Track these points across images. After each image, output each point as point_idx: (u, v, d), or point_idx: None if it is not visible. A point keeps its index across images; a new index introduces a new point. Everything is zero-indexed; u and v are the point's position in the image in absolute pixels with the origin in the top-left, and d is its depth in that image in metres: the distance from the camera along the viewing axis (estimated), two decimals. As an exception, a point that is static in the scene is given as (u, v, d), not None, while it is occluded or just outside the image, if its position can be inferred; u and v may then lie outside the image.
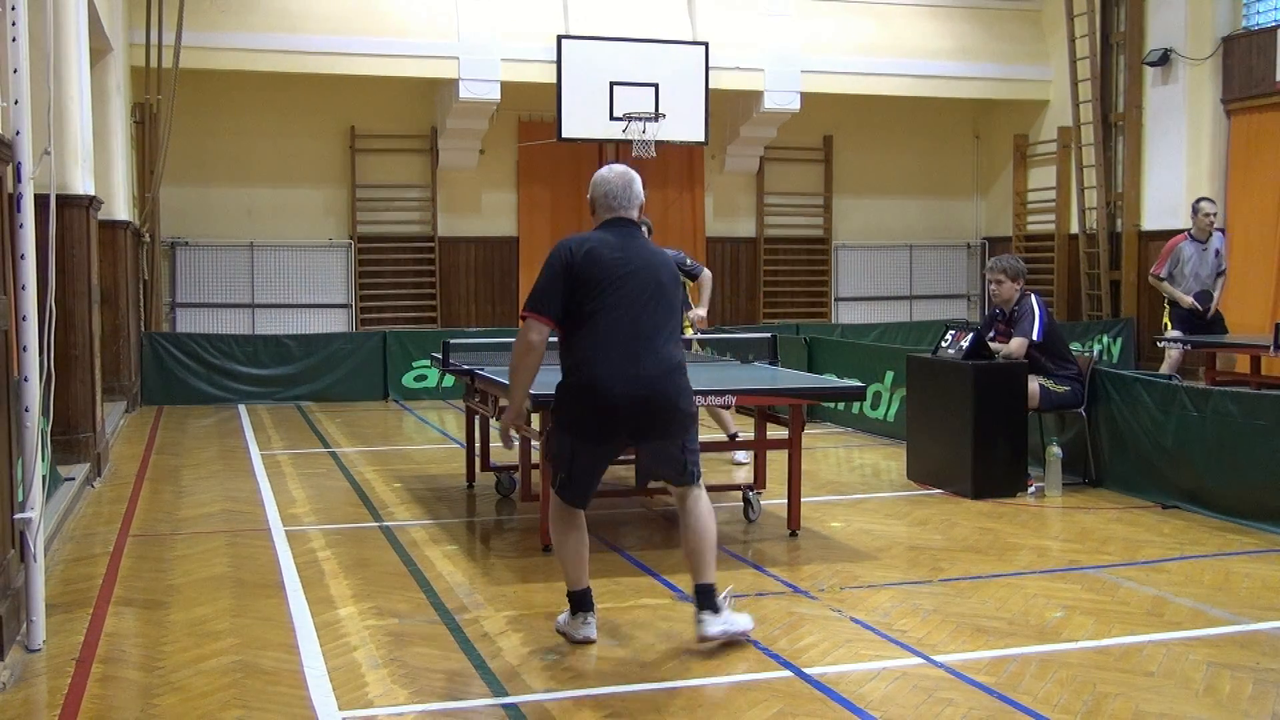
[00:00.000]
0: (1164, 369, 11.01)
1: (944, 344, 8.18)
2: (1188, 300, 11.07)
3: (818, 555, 6.36)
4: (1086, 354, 8.70)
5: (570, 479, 4.79)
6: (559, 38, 14.48)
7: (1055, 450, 7.84)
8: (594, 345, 4.68)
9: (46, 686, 4.40)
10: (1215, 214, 11.28)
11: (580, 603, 4.85)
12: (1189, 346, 11.24)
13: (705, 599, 4.76)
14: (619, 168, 4.93)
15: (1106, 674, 4.49)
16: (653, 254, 4.87)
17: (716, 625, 4.74)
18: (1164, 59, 14.41)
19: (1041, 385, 7.97)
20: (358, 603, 5.43)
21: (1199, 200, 11.48)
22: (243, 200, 15.46)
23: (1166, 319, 11.43)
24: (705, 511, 4.85)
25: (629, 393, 4.63)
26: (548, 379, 5.01)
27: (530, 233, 16.33)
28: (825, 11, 15.90)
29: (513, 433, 5.00)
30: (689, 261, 9.08)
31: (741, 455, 8.91)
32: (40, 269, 4.98)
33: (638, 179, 4.91)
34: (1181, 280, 11.14)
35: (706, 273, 9.30)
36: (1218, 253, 11.35)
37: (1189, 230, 11.36)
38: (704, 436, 8.59)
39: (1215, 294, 11.29)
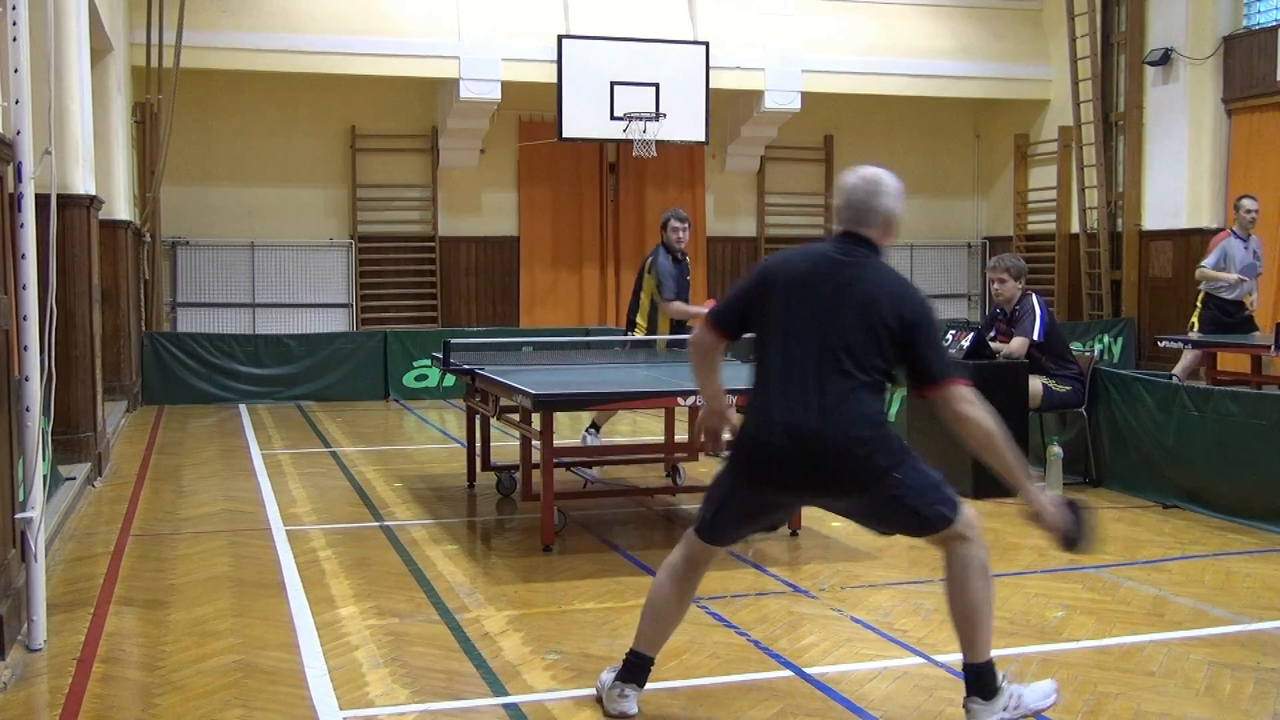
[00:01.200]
0: (1177, 369, 10.97)
1: (945, 343, 8.17)
2: (1233, 277, 10.88)
3: (818, 555, 6.36)
4: (1087, 353, 8.70)
5: (715, 514, 4.00)
6: (559, 37, 14.48)
7: (1056, 450, 7.84)
8: (755, 384, 3.96)
9: (47, 686, 4.40)
10: (1257, 210, 11.08)
11: (634, 670, 4.05)
12: (1189, 346, 11.23)
13: (976, 681, 3.87)
14: (868, 172, 4.06)
15: (1107, 674, 4.49)
16: (872, 282, 3.89)
17: (990, 715, 3.86)
18: (1165, 58, 14.40)
19: (1044, 384, 7.97)
20: (358, 602, 5.43)
21: (1241, 197, 11.30)
22: (243, 200, 15.46)
23: (1195, 318, 11.32)
24: (965, 571, 3.87)
25: (783, 442, 3.79)
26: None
27: (531, 232, 16.34)
28: (826, 11, 15.89)
29: (725, 435, 4.15)
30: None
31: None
32: (41, 269, 4.98)
33: (887, 187, 4.00)
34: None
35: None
36: (1256, 253, 11.26)
37: (1232, 229, 11.19)
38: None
39: (1253, 295, 11.19)
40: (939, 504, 3.81)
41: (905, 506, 3.80)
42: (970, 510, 3.89)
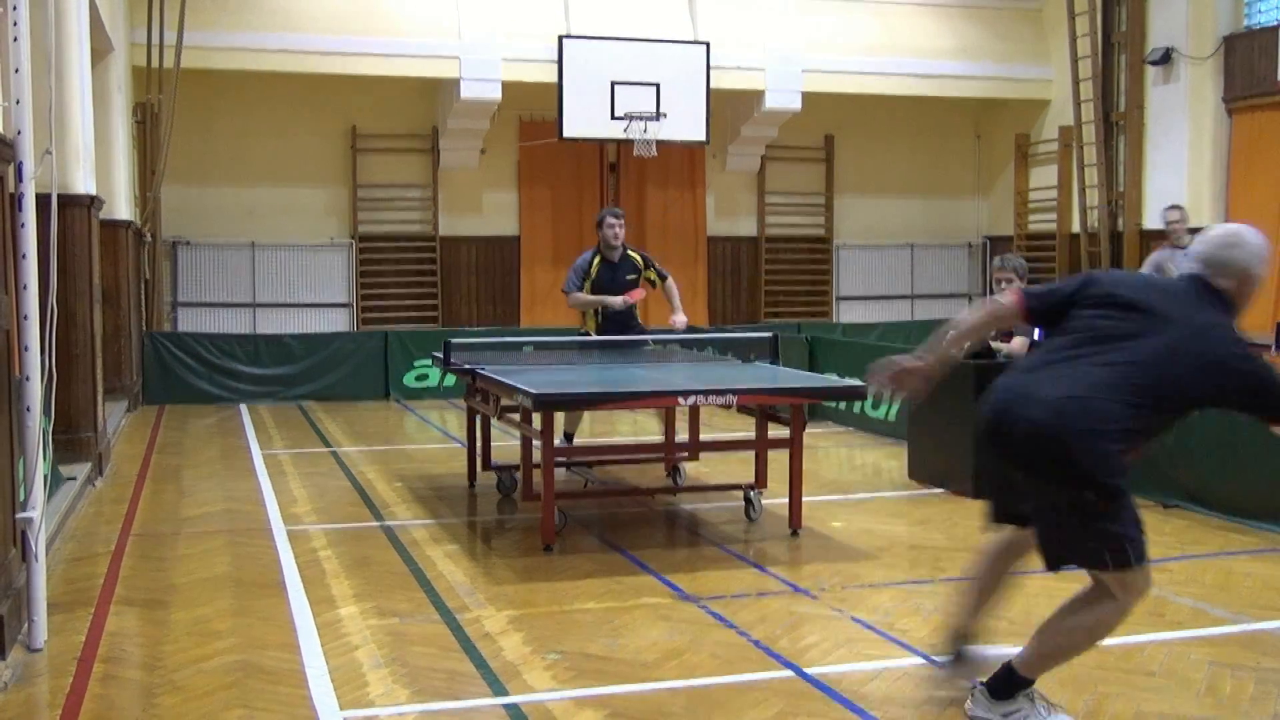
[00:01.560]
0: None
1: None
2: None
3: (819, 555, 6.36)
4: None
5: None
6: (560, 37, 14.48)
7: (1056, 450, 7.82)
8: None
9: (48, 686, 4.41)
10: (1180, 220, 11.07)
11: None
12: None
13: (1000, 681, 3.85)
14: (1254, 238, 3.94)
15: (1107, 674, 4.49)
16: (1188, 320, 3.81)
17: (987, 712, 3.85)
18: (1165, 58, 14.40)
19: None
20: (359, 602, 5.43)
21: (1166, 209, 11.29)
22: (244, 200, 15.46)
23: None
24: (1089, 619, 3.79)
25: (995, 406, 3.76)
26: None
27: (531, 232, 16.34)
28: (826, 11, 15.89)
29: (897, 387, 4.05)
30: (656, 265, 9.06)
31: None
32: (42, 268, 4.98)
33: (1248, 246, 3.91)
34: None
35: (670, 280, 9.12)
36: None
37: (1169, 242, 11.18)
38: (709, 435, 8.67)
39: None
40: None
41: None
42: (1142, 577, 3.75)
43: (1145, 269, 11.14)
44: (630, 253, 8.92)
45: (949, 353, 3.99)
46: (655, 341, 9.31)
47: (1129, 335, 3.67)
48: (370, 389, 13.39)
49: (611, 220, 8.86)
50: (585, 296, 8.90)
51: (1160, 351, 3.64)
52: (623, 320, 8.97)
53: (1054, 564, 3.78)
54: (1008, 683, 3.82)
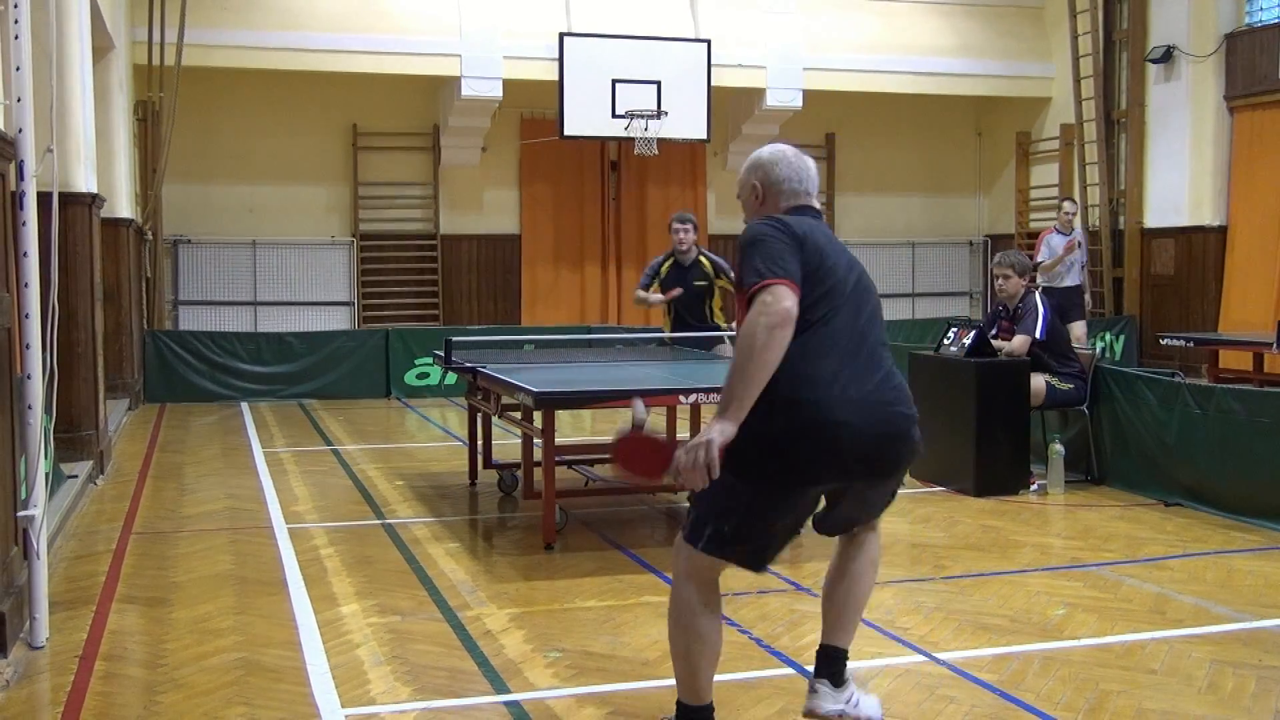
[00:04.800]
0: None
1: (946, 341, 8.18)
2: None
3: (820, 553, 6.34)
4: (1089, 351, 8.71)
5: (748, 533, 3.49)
6: (561, 35, 14.48)
7: (1058, 448, 7.84)
8: (819, 359, 3.44)
9: (50, 684, 4.41)
10: (1074, 213, 13.23)
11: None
12: (1191, 344, 11.24)
13: (833, 665, 3.84)
14: (788, 148, 3.89)
15: (1109, 671, 4.49)
16: (851, 254, 3.77)
17: (834, 703, 3.83)
18: (1167, 56, 14.39)
19: (1047, 382, 7.97)
20: (360, 600, 5.43)
21: (1063, 200, 13.67)
22: (245, 198, 15.47)
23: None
24: (874, 559, 3.90)
25: (868, 424, 3.46)
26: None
27: (532, 230, 16.34)
28: (827, 9, 15.89)
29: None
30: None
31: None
32: (43, 267, 4.98)
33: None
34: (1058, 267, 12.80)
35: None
36: (1080, 244, 12.99)
37: (1055, 227, 13.16)
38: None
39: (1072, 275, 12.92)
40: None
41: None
42: None
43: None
44: (703, 258, 8.96)
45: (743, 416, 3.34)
46: (731, 338, 9.24)
47: (864, 299, 3.71)
48: (371, 387, 13.39)
49: (677, 225, 8.99)
50: (639, 293, 9.14)
51: (875, 297, 3.78)
52: (694, 321, 9.06)
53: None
54: (841, 664, 3.88)
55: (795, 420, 3.39)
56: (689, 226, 8.91)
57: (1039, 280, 12.48)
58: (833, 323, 3.48)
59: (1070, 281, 12.88)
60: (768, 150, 3.85)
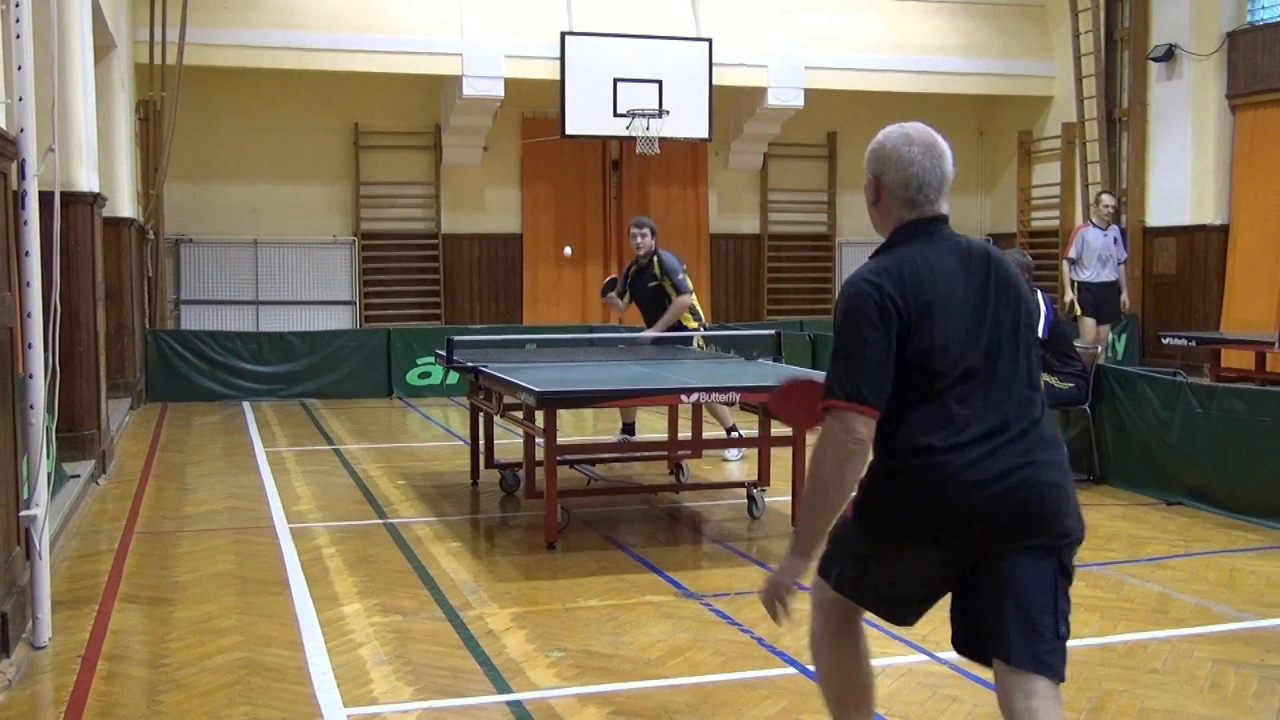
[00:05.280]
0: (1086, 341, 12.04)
1: None
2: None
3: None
4: (1091, 351, 8.70)
5: (871, 583, 3.20)
6: (562, 34, 14.48)
7: (1059, 447, 7.82)
8: (934, 429, 2.96)
9: (52, 683, 4.41)
10: (1112, 206, 12.62)
11: None
12: (1193, 343, 11.23)
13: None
14: (918, 131, 3.14)
15: (1111, 670, 4.49)
16: (1002, 268, 3.15)
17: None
18: (1168, 55, 14.37)
19: (1048, 382, 7.96)
20: (362, 600, 5.43)
21: (1101, 193, 12.97)
22: (247, 197, 15.47)
23: (1077, 301, 12.56)
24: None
25: (992, 488, 2.94)
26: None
27: (534, 230, 16.34)
28: (829, 7, 15.88)
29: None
30: (680, 275, 9.09)
31: (733, 452, 8.90)
32: (45, 266, 4.98)
33: (947, 149, 3.15)
34: (1089, 263, 12.41)
35: (685, 298, 9.08)
36: (1117, 240, 12.60)
37: (1091, 220, 12.65)
38: (711, 433, 8.68)
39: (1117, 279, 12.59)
40: None
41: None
42: None
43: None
44: (656, 260, 9.11)
45: (816, 550, 3.14)
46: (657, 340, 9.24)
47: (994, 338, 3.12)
48: (373, 387, 13.39)
49: (633, 231, 9.28)
50: (605, 295, 9.58)
51: (1011, 326, 3.15)
52: (655, 321, 9.24)
53: None
54: None
55: (909, 486, 2.98)
56: (645, 231, 9.19)
57: (1075, 275, 12.39)
58: (949, 390, 2.96)
59: (1108, 277, 12.46)
60: (891, 138, 3.15)
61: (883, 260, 3.08)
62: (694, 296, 9.20)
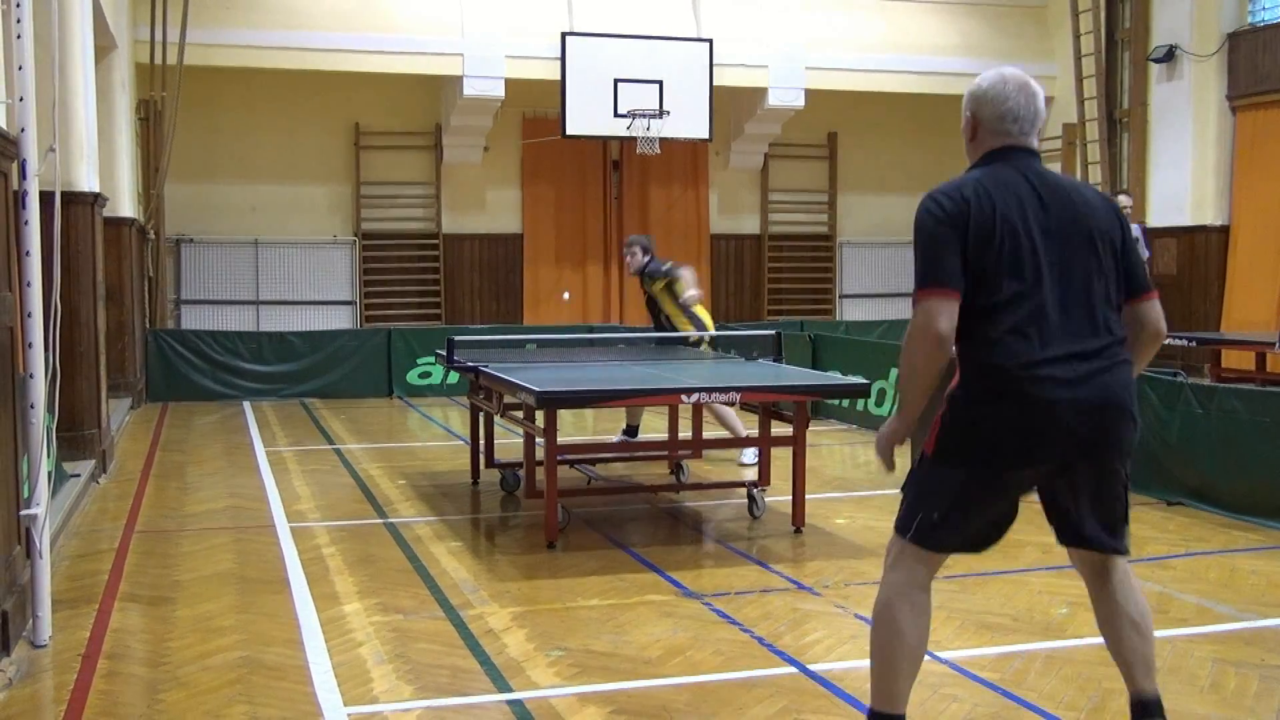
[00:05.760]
0: None
1: None
2: None
3: (822, 552, 6.36)
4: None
5: (945, 520, 3.36)
6: (563, 34, 14.48)
7: (1060, 447, 7.82)
8: (1016, 339, 3.22)
9: (53, 682, 4.41)
10: (1129, 206, 12.73)
11: None
12: (1193, 343, 11.23)
13: (1156, 715, 3.50)
14: (1013, 73, 3.41)
15: (1112, 670, 4.45)
16: (1076, 193, 3.39)
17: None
18: (1169, 55, 14.38)
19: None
20: (362, 599, 5.43)
21: (1117, 194, 12.97)
22: (247, 197, 15.48)
23: None
24: (1133, 615, 3.52)
25: (1076, 400, 3.22)
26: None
27: (535, 229, 16.35)
28: (829, 8, 15.89)
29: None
30: (669, 267, 9.13)
31: (749, 455, 8.89)
32: (45, 266, 4.98)
33: (1040, 90, 3.42)
34: None
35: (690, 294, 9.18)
36: (1138, 240, 11.89)
37: None
38: (712, 433, 8.69)
39: None
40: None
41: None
42: None
43: None
44: (645, 272, 9.18)
45: (914, 418, 3.39)
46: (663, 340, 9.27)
47: (1074, 257, 3.39)
48: (373, 386, 13.40)
49: (625, 250, 9.48)
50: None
51: (1089, 248, 3.42)
52: (662, 328, 9.36)
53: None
54: (1161, 713, 3.58)
55: (995, 405, 3.25)
56: (635, 250, 9.44)
57: None
58: (1028, 297, 3.21)
59: None
60: (988, 78, 3.40)
61: (953, 181, 3.34)
62: (697, 296, 9.14)
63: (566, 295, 11.17)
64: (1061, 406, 3.21)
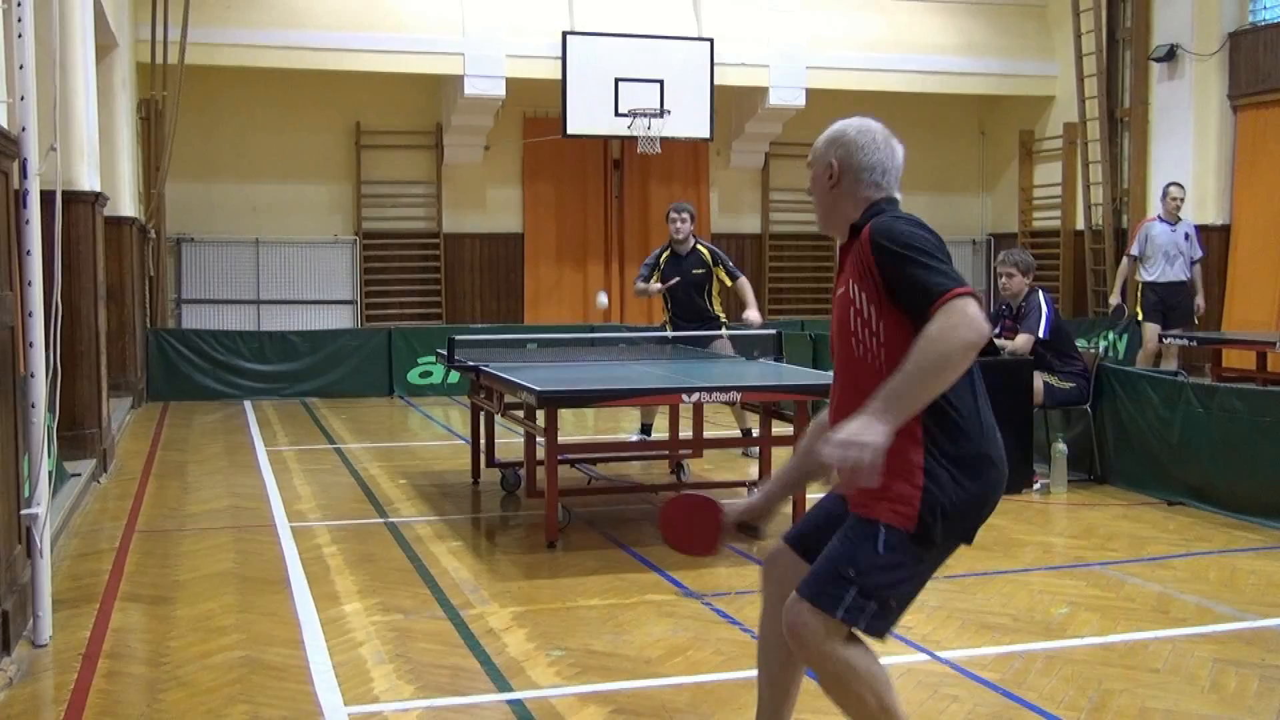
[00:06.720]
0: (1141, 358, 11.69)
1: None
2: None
3: (823, 551, 6.35)
4: (1092, 350, 8.70)
5: (903, 607, 3.03)
6: (564, 34, 14.48)
7: (1060, 447, 7.83)
8: (985, 403, 3.12)
9: (53, 681, 4.42)
10: (1181, 198, 12.00)
11: None
12: (1194, 343, 11.23)
13: None
14: (878, 128, 3.23)
15: (1112, 670, 4.49)
16: None
17: None
18: (1170, 55, 14.37)
19: (1047, 382, 7.96)
20: (363, 598, 5.43)
21: (1169, 185, 12.21)
22: (248, 196, 15.48)
23: (1138, 305, 12.17)
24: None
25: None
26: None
27: (535, 229, 16.34)
28: (831, 7, 15.88)
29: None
30: (730, 263, 9.19)
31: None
32: (46, 265, 4.98)
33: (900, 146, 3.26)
34: (1155, 261, 11.91)
35: (743, 279, 9.31)
36: (1188, 235, 11.99)
37: (1159, 215, 12.18)
38: (713, 433, 8.69)
39: (1190, 277, 11.93)
40: None
41: None
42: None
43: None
44: (700, 248, 9.13)
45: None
46: (730, 336, 9.30)
47: None
48: (374, 386, 13.40)
49: (673, 215, 9.18)
50: (639, 284, 9.28)
51: None
52: (693, 315, 9.22)
53: None
54: None
55: (986, 481, 3.03)
56: (685, 216, 9.06)
57: (1140, 274, 11.99)
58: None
59: (1176, 276, 11.75)
60: (854, 127, 3.20)
61: (913, 218, 3.14)
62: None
63: (603, 298, 9.94)
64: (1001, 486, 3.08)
